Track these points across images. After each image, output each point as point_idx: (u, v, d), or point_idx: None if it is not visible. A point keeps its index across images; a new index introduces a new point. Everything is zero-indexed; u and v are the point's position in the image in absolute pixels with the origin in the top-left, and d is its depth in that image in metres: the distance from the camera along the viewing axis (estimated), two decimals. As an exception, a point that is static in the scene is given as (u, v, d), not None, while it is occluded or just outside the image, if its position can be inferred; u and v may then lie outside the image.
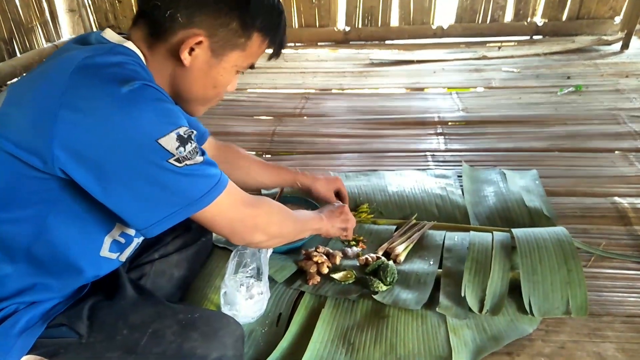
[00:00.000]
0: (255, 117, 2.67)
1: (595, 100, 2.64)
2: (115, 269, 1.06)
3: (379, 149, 2.22)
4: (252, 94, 3.01)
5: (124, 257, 1.05)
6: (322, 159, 2.17)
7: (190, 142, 0.86)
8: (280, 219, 1.10)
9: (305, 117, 2.65)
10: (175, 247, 1.36)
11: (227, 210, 0.94)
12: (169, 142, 0.83)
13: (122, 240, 1.02)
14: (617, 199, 1.74)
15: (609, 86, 2.84)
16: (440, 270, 1.40)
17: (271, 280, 1.39)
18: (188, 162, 0.85)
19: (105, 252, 0.98)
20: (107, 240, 0.97)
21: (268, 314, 1.31)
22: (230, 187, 0.94)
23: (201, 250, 1.45)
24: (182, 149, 0.84)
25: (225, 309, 1.25)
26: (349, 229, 1.39)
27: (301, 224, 1.21)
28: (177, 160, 0.84)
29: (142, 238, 1.09)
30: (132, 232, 1.03)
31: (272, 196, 1.68)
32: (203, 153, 0.90)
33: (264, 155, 2.24)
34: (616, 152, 2.09)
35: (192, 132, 0.88)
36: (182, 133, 0.85)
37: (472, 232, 1.53)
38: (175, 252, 1.35)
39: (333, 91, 3.09)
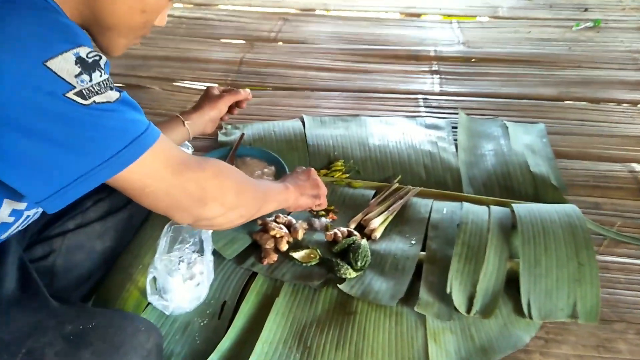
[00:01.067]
0: (222, 39, 2.29)
1: (614, 40, 2.30)
2: None
3: (363, 88, 1.90)
4: (222, 11, 2.59)
5: (5, 235, 0.78)
6: (294, 97, 1.85)
7: (98, 70, 0.62)
8: (237, 184, 0.83)
9: (280, 43, 2.28)
10: (97, 214, 1.09)
11: (160, 174, 0.69)
12: (64, 65, 0.58)
13: (10, 219, 0.76)
14: (635, 166, 1.48)
15: (632, 22, 2.48)
16: (424, 253, 1.15)
17: (217, 256, 1.13)
18: (97, 99, 0.61)
19: None
20: None
21: (210, 302, 1.07)
22: (162, 142, 0.70)
23: (134, 215, 1.18)
24: (85, 76, 0.60)
25: (152, 299, 1.01)
26: (322, 195, 1.11)
27: (263, 192, 0.93)
28: (80, 94, 0.60)
29: (34, 210, 0.81)
30: (22, 205, 0.76)
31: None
32: (119, 90, 0.65)
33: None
34: (639, 105, 1.80)
35: (100, 56, 0.63)
36: (83, 55, 0.60)
37: (464, 204, 1.27)
38: (97, 220, 1.09)
39: (316, 12, 2.68)
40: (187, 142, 1.43)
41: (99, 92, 0.61)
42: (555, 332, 1.01)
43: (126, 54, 2.03)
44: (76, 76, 0.59)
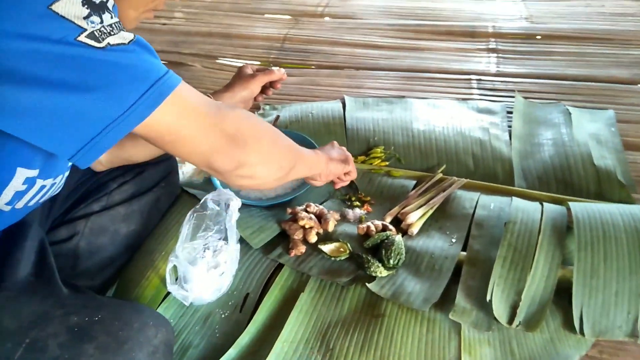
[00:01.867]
0: (267, 14, 2.22)
1: None
2: (17, 229, 0.81)
3: (412, 67, 1.78)
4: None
5: (21, 204, 0.75)
6: (337, 76, 1.75)
7: (107, 11, 0.58)
8: (269, 130, 0.81)
9: (326, 18, 2.18)
10: (122, 197, 1.07)
11: (193, 114, 0.66)
12: (71, 8, 0.54)
13: (23, 187, 0.73)
14: None
15: None
16: (464, 253, 1.05)
17: (243, 244, 1.08)
18: (111, 40, 0.57)
19: None
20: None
21: (233, 293, 1.03)
22: (186, 85, 0.66)
23: (161, 198, 1.15)
24: (95, 18, 0.56)
25: (171, 288, 0.97)
26: (350, 161, 1.10)
27: (296, 148, 0.90)
28: (92, 36, 0.55)
29: (50, 180, 0.77)
30: (33, 172, 0.72)
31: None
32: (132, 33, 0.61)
33: (270, 66, 1.84)
34: None
35: None
36: None
37: (514, 199, 1.15)
38: (122, 203, 1.06)
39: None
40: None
41: (112, 32, 0.57)
42: (610, 352, 0.89)
43: (169, 29, 2.00)
44: (85, 18, 0.54)
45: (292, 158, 0.86)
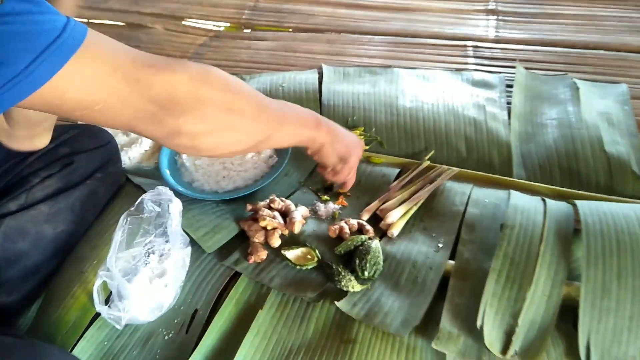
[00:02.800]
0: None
1: None
2: None
3: (400, 31, 1.57)
4: None
5: None
6: (316, 40, 1.55)
7: None
8: (228, 95, 0.63)
9: (308, -27, 1.94)
10: (46, 192, 0.90)
11: (106, 82, 0.52)
12: None
13: None
14: None
15: None
16: (452, 262, 0.89)
17: (195, 247, 0.93)
18: None
19: None
20: None
21: (180, 308, 0.87)
22: (96, 38, 0.52)
23: (97, 191, 0.98)
24: None
25: (100, 309, 0.81)
26: (352, 166, 0.92)
27: (278, 115, 0.72)
28: None
29: None
30: None
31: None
32: None
33: (243, 30, 1.63)
34: None
35: None
36: None
37: (512, 194, 0.98)
38: (45, 200, 0.89)
39: None
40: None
41: None
42: (622, 388, 0.75)
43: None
44: None
45: (260, 130, 0.69)
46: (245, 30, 1.63)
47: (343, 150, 0.87)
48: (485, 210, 0.97)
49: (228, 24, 1.66)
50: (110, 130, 1.10)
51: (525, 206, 0.94)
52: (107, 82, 0.51)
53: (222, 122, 0.63)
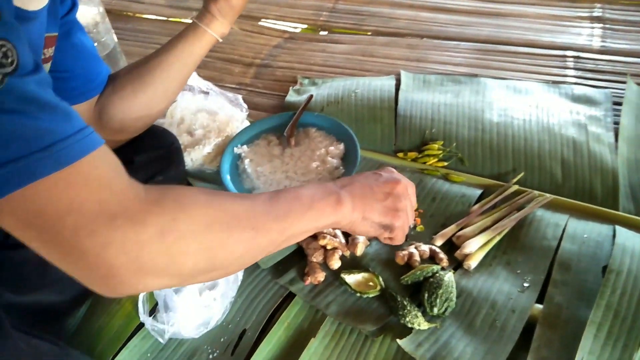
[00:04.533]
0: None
1: None
2: None
3: (490, 38, 1.43)
4: None
5: None
6: (395, 45, 1.44)
7: None
8: (208, 236, 0.48)
9: (391, -25, 1.84)
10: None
11: (79, 210, 0.42)
12: None
13: None
14: None
15: None
16: (540, 306, 0.76)
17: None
18: None
19: None
20: None
21: (228, 326, 0.81)
22: (102, 155, 0.45)
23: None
24: None
25: (144, 320, 0.76)
26: (400, 226, 0.66)
27: (281, 214, 0.55)
28: None
29: None
30: None
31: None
32: (34, 70, 0.42)
33: (319, 32, 1.56)
34: None
35: None
36: None
37: (619, 230, 0.83)
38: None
39: None
40: (241, 102, 1.14)
41: None
42: None
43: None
44: None
45: (264, 245, 0.53)
46: (321, 33, 1.56)
47: (380, 219, 0.65)
48: (584, 248, 0.82)
49: (305, 26, 1.60)
50: (174, 130, 1.07)
51: (636, 247, 0.78)
52: (50, 223, 0.41)
53: (199, 269, 0.48)
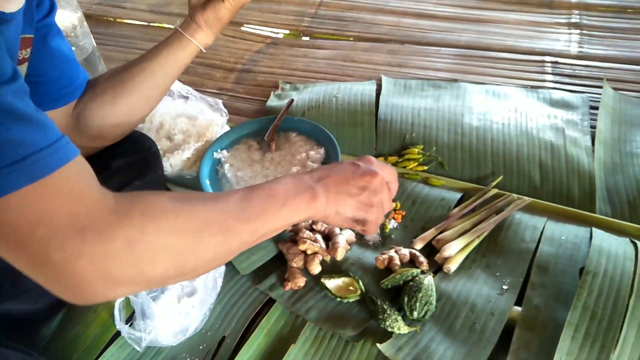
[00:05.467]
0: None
1: None
2: None
3: (471, 44, 1.45)
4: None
5: None
6: (377, 51, 1.45)
7: None
8: (179, 244, 0.48)
9: (373, -19, 1.86)
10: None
11: (49, 223, 0.42)
12: None
13: None
14: None
15: None
16: (519, 309, 0.76)
17: (229, 267, 0.86)
18: None
19: None
20: None
21: (207, 333, 0.80)
22: (75, 166, 0.45)
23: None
24: None
25: (122, 328, 0.75)
26: (373, 220, 0.65)
27: (252, 213, 0.54)
28: None
29: None
30: None
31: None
32: (11, 80, 0.43)
33: (301, 38, 1.56)
34: None
35: None
36: None
37: (595, 232, 0.84)
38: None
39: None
40: (221, 107, 1.14)
41: None
42: None
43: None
44: None
45: (235, 244, 0.53)
46: (303, 38, 1.56)
47: (354, 214, 0.64)
48: (562, 250, 0.83)
49: (287, 31, 1.60)
50: (152, 134, 1.06)
51: (612, 249, 0.79)
52: (20, 236, 0.41)
53: (181, 270, 0.49)
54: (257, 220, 0.54)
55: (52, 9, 0.75)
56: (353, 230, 0.90)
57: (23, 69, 0.68)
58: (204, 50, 0.82)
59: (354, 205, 0.63)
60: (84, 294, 0.44)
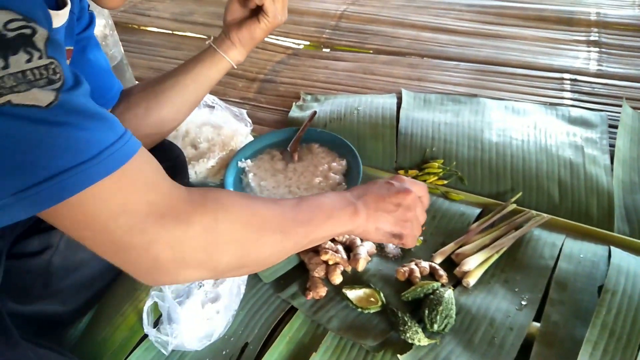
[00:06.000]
0: (326, -13, 1.95)
1: None
2: None
3: (490, 59, 1.46)
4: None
5: None
6: (396, 63, 1.47)
7: (26, 51, 0.40)
8: (245, 234, 0.53)
9: (393, -6, 1.89)
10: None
11: (130, 211, 0.46)
12: None
13: None
14: None
15: None
16: (537, 325, 0.77)
17: (251, 276, 0.88)
18: (15, 99, 0.39)
19: None
20: None
21: (230, 339, 0.82)
22: (143, 157, 0.49)
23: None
24: (4, 61, 0.38)
25: (149, 331, 0.77)
26: (410, 234, 0.70)
27: (306, 222, 0.60)
28: (11, 89, 0.38)
29: None
30: None
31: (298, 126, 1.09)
32: (77, 83, 0.44)
33: (322, 49, 1.59)
34: None
35: (33, 29, 0.40)
36: None
37: (614, 251, 0.85)
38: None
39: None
40: (245, 117, 1.16)
41: (18, 89, 0.38)
42: None
43: (215, 0, 1.74)
44: None
45: (286, 249, 0.59)
46: (324, 50, 1.59)
47: (391, 229, 0.68)
48: (580, 268, 0.84)
49: (308, 43, 1.63)
50: (179, 142, 1.08)
51: (631, 268, 0.80)
52: (104, 224, 0.45)
53: (235, 264, 0.54)
54: (308, 226, 0.59)
55: (91, 22, 0.78)
56: (375, 243, 0.92)
57: None
58: (235, 67, 0.85)
59: (392, 221, 0.68)
60: (157, 275, 0.49)
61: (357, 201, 0.66)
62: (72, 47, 0.72)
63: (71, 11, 0.65)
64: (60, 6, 0.59)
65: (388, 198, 0.68)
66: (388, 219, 0.68)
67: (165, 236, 0.47)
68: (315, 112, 1.17)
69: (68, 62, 0.72)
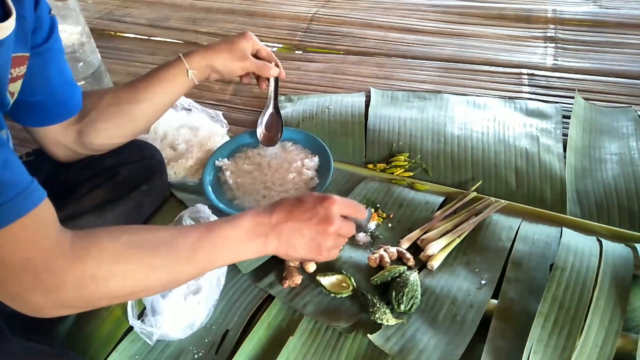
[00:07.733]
0: (296, -10, 2.01)
1: None
2: None
3: (453, 57, 1.54)
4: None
5: None
6: (365, 64, 1.54)
7: None
8: (132, 277, 0.58)
9: (362, -4, 1.95)
10: (94, 203, 0.92)
11: (7, 266, 0.52)
12: None
13: None
14: None
15: None
16: (495, 302, 0.84)
17: (230, 267, 0.93)
18: None
19: None
20: None
21: (211, 327, 0.87)
22: (35, 215, 0.53)
23: (143, 204, 1.00)
24: None
25: (133, 323, 0.81)
26: (322, 259, 0.74)
27: (197, 271, 0.64)
28: None
29: None
30: None
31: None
32: None
33: (295, 51, 1.64)
34: None
35: None
36: None
37: (565, 232, 0.93)
38: (93, 211, 0.91)
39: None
40: (221, 118, 1.21)
41: None
42: None
43: (190, 5, 1.82)
44: None
45: (182, 277, 0.64)
46: (296, 52, 1.64)
47: (302, 257, 0.71)
48: (534, 248, 0.92)
49: (281, 45, 1.68)
50: (157, 144, 1.13)
51: (579, 246, 0.88)
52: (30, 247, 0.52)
53: (124, 303, 0.65)
54: (206, 263, 0.63)
55: (51, 32, 0.76)
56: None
57: (17, 85, 0.71)
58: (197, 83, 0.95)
59: (304, 252, 0.70)
60: (38, 314, 0.54)
61: (271, 232, 0.67)
62: (27, 54, 0.71)
63: (21, 15, 0.65)
64: (2, 18, 0.59)
65: (307, 230, 0.68)
66: (299, 252, 0.70)
67: (40, 287, 0.51)
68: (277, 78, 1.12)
69: (22, 68, 0.70)
